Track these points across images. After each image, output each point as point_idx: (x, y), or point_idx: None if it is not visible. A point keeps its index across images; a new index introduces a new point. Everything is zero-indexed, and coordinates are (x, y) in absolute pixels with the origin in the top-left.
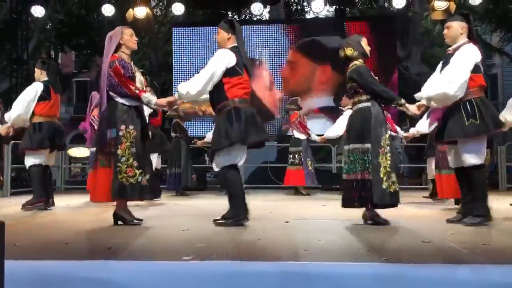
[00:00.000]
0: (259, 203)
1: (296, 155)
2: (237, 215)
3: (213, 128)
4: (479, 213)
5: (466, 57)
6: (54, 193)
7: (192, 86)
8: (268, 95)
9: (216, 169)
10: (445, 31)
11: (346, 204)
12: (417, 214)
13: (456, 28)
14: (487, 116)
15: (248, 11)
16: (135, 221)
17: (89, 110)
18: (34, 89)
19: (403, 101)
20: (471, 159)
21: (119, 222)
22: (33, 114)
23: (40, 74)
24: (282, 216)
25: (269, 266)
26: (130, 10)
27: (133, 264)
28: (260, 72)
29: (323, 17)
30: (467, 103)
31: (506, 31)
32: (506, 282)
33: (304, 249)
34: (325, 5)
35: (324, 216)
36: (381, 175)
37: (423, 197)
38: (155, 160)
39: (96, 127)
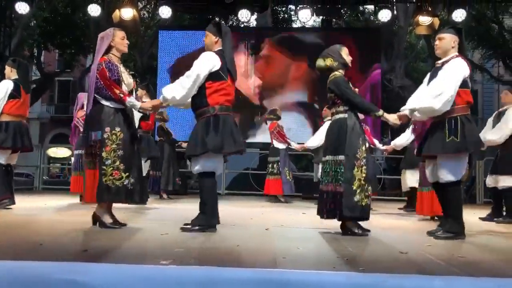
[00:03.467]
0: (240, 210)
1: (275, 165)
2: (206, 222)
3: (190, 133)
4: (452, 230)
5: (456, 71)
6: (32, 193)
7: (177, 90)
8: (246, 82)
9: (195, 172)
10: (437, 42)
11: (321, 214)
12: (395, 225)
13: (449, 40)
14: (469, 135)
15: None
16: (115, 226)
17: (75, 111)
18: (5, 87)
19: (381, 112)
20: (448, 175)
21: (100, 225)
22: (1, 112)
23: (10, 72)
24: (262, 223)
25: (247, 272)
26: (117, 11)
27: (110, 267)
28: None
29: (310, 26)
30: (452, 120)
31: (487, 48)
32: None
33: (282, 256)
34: (312, 15)
35: (304, 224)
36: (355, 187)
37: (398, 208)
38: (144, 164)
39: (81, 129)
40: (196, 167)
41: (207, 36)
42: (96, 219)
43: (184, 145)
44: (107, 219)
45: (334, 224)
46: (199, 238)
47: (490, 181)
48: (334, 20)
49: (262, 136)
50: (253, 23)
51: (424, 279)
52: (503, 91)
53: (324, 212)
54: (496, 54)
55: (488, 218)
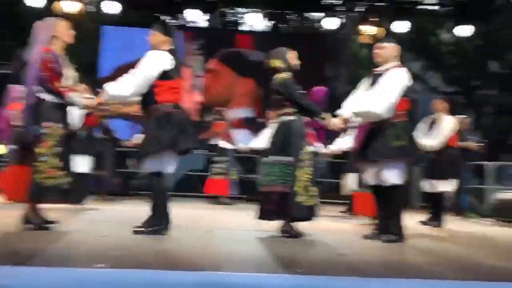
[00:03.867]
0: (184, 212)
1: (222, 165)
2: (157, 224)
3: (142, 132)
4: (395, 231)
5: (398, 80)
6: None
7: (124, 88)
8: (187, 97)
9: (144, 172)
10: (378, 51)
11: (262, 216)
12: (334, 228)
13: (391, 49)
14: (411, 141)
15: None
16: (46, 224)
17: (6, 104)
18: None
19: (326, 115)
20: (392, 179)
21: (30, 226)
22: None
23: None
24: (206, 225)
25: (188, 275)
26: (58, 2)
27: (41, 270)
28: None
29: (258, 30)
30: (394, 125)
31: (426, 60)
32: None
33: (223, 259)
34: (262, 19)
35: (247, 226)
36: (299, 189)
37: (339, 211)
38: (83, 162)
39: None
40: (146, 166)
41: (154, 35)
42: (26, 219)
43: (128, 143)
44: (38, 219)
45: (276, 226)
46: (140, 240)
47: (425, 185)
48: (282, 25)
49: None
50: (203, 23)
51: (361, 280)
52: (436, 100)
53: (267, 214)
54: (434, 65)
55: (426, 222)
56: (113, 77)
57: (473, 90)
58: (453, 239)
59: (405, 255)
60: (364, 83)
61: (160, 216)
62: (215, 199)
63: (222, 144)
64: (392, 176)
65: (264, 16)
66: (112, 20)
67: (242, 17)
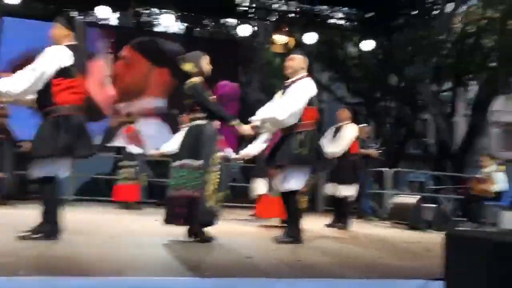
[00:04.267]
0: (88, 217)
1: (131, 169)
2: (48, 230)
3: (36, 132)
4: (291, 234)
5: (303, 89)
6: None
7: (17, 83)
8: (100, 91)
9: (35, 176)
10: (289, 62)
11: (170, 220)
12: (243, 231)
13: (299, 61)
14: (313, 148)
15: (95, 14)
16: None
17: None
18: None
19: (235, 121)
20: (290, 184)
21: None
22: None
23: None
24: (111, 231)
25: (84, 281)
26: None
27: None
28: (93, 66)
29: (172, 32)
30: (299, 133)
31: (333, 72)
32: None
33: (127, 264)
34: (175, 21)
35: (154, 231)
36: (208, 193)
37: (249, 215)
38: None
39: None
40: (37, 171)
41: (56, 28)
42: None
43: (27, 145)
44: None
45: (183, 230)
46: (35, 246)
47: (329, 189)
48: (197, 29)
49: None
50: (114, 21)
51: (267, 282)
52: (340, 109)
53: (175, 219)
54: (340, 77)
55: (332, 224)
56: (10, 71)
57: (374, 102)
58: (354, 241)
59: (310, 256)
60: (278, 94)
61: (50, 223)
62: (123, 204)
63: (130, 148)
64: (290, 182)
65: (178, 19)
66: (15, 11)
67: (157, 18)
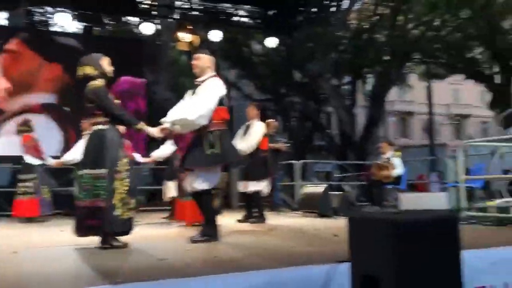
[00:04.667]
0: None
1: (29, 183)
2: None
3: None
4: (206, 233)
5: (213, 89)
6: None
7: None
8: None
9: None
10: (195, 62)
11: (80, 233)
12: (157, 234)
13: (205, 60)
14: (227, 148)
15: None
16: None
17: None
18: None
19: (140, 125)
20: (202, 184)
21: None
22: None
23: None
24: (11, 246)
25: None
26: None
27: None
28: None
29: (71, 32)
30: (210, 134)
31: (240, 69)
32: None
33: (31, 281)
34: (72, 20)
35: (61, 242)
36: (115, 201)
37: (162, 218)
38: None
39: None
40: None
41: None
42: None
43: None
44: None
45: (94, 239)
46: None
47: (240, 186)
48: (97, 28)
49: (14, 148)
50: (2, 21)
51: (182, 282)
52: (249, 107)
53: (83, 229)
54: (247, 74)
55: (244, 220)
56: None
57: (281, 97)
58: (268, 233)
59: (226, 252)
60: (188, 93)
61: None
62: (24, 218)
63: (29, 159)
64: (201, 182)
65: (75, 18)
66: None
67: (52, 18)
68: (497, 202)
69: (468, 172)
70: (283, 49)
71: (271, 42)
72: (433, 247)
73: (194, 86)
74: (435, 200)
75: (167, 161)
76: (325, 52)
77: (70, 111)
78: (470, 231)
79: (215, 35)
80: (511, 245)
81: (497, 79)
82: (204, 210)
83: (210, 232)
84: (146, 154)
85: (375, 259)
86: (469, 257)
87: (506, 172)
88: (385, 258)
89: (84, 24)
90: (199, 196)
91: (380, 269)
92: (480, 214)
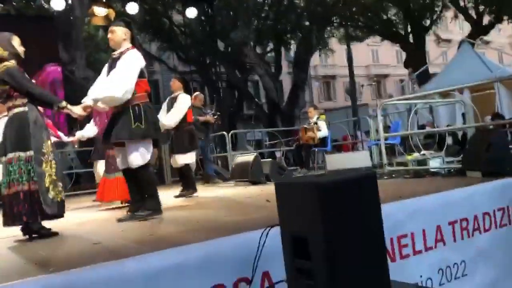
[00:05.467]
0: None
1: None
2: None
3: None
4: (150, 207)
5: (132, 62)
6: None
7: None
8: None
9: None
10: (110, 35)
11: (10, 222)
12: (89, 219)
13: (120, 33)
14: (152, 122)
15: None
16: None
17: None
18: None
19: (64, 103)
20: (137, 160)
21: None
22: None
23: None
24: None
25: None
26: None
27: None
28: None
29: None
30: (136, 107)
31: (162, 41)
32: (164, 265)
33: None
34: None
35: None
36: (47, 184)
37: (93, 200)
38: None
39: None
40: None
41: None
42: None
43: None
44: None
45: (16, 229)
46: None
47: (172, 161)
48: (1, 5)
49: None
50: None
51: (116, 264)
52: (172, 79)
53: (14, 218)
54: (170, 46)
55: (180, 194)
56: None
57: (206, 68)
58: (202, 205)
59: (162, 229)
60: (106, 68)
61: None
62: None
63: None
64: (136, 157)
65: None
66: None
67: None
68: (415, 156)
69: (388, 129)
70: (204, 19)
71: (192, 12)
72: (355, 205)
73: (112, 60)
74: (358, 159)
75: (91, 141)
76: (247, 20)
77: None
78: (391, 185)
79: (132, 8)
80: (427, 195)
81: (411, 39)
82: (144, 185)
83: (153, 206)
84: (68, 134)
85: (303, 221)
86: (390, 210)
87: (422, 127)
88: (311, 219)
89: None
90: (134, 172)
91: (308, 229)
92: (401, 168)
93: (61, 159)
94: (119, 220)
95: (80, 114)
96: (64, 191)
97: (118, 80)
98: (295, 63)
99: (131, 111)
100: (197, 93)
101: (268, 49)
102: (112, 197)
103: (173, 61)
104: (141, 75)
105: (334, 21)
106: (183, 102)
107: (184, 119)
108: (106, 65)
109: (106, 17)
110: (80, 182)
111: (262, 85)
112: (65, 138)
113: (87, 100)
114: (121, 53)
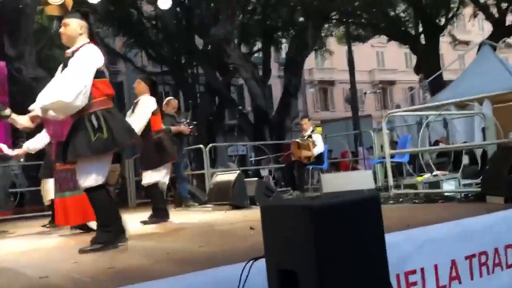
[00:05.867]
0: None
1: None
2: None
3: None
4: (100, 240)
5: (87, 60)
6: None
7: None
8: None
9: None
10: (62, 29)
11: None
12: (36, 247)
13: (75, 27)
14: (116, 129)
15: None
16: None
17: None
18: None
19: (7, 112)
20: (88, 180)
21: None
22: None
23: None
24: None
25: None
26: None
27: None
28: None
29: None
30: (93, 115)
31: (128, 36)
32: None
33: None
34: None
35: None
36: None
37: (42, 226)
38: None
39: None
40: None
41: None
42: None
43: None
44: None
45: None
46: None
47: (142, 178)
48: None
49: None
50: None
51: None
52: (136, 80)
53: None
54: (138, 42)
55: (148, 221)
56: None
57: (181, 69)
58: (173, 233)
59: (122, 261)
60: (60, 69)
61: None
62: None
63: None
64: (88, 176)
65: None
66: None
67: None
68: (426, 177)
69: (395, 145)
70: (180, 11)
71: (165, 2)
72: (354, 233)
73: (65, 59)
74: (360, 180)
75: (41, 154)
76: (230, 13)
77: None
78: (398, 211)
79: None
80: (440, 223)
81: (423, 40)
82: (96, 211)
83: (104, 238)
84: (11, 145)
85: (292, 252)
86: (396, 240)
87: (435, 143)
88: (302, 249)
89: None
90: (88, 194)
91: (298, 262)
92: (409, 191)
93: (3, 175)
94: (81, 251)
95: (26, 126)
96: (6, 214)
97: (68, 81)
98: (286, 66)
99: (87, 120)
100: (169, 98)
101: (255, 48)
102: (65, 221)
103: (142, 59)
104: (99, 75)
105: (333, 17)
106: (145, 107)
107: (148, 127)
108: (61, 66)
109: (62, 5)
110: (25, 204)
111: (248, 90)
112: (9, 152)
113: (36, 108)
114: (75, 51)
